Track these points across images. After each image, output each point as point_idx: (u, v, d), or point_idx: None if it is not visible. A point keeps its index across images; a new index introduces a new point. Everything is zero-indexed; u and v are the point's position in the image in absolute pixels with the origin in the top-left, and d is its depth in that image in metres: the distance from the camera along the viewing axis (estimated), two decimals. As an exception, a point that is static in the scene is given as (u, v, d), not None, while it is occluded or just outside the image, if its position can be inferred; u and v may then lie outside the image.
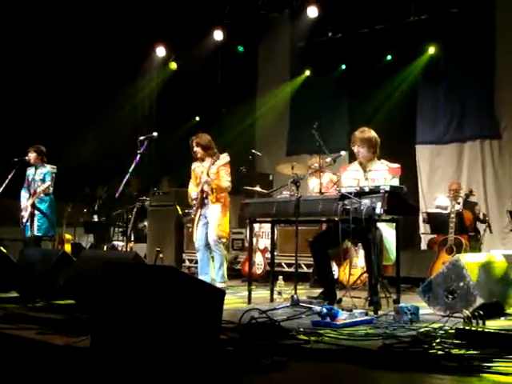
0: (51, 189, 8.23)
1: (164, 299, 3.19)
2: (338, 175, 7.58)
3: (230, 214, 7.68)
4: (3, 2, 11.26)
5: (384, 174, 5.95)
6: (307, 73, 12.43)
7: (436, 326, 4.22)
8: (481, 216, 8.45)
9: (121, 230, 11.51)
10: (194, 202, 7.60)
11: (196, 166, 7.68)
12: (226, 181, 7.42)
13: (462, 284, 4.93)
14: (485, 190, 9.87)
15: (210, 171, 7.40)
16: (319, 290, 6.32)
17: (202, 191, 7.47)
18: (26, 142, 8.70)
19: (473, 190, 8.68)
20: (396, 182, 5.84)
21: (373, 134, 6.11)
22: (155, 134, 7.75)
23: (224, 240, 7.57)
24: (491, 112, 9.98)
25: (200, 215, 7.54)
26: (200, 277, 7.56)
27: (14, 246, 8.97)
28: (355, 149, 6.12)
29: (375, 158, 6.11)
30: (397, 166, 6.04)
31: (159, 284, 3.26)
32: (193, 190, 7.65)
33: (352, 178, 6.15)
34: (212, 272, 7.63)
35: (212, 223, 7.39)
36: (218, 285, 7.24)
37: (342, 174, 6.41)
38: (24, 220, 8.34)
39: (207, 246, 7.55)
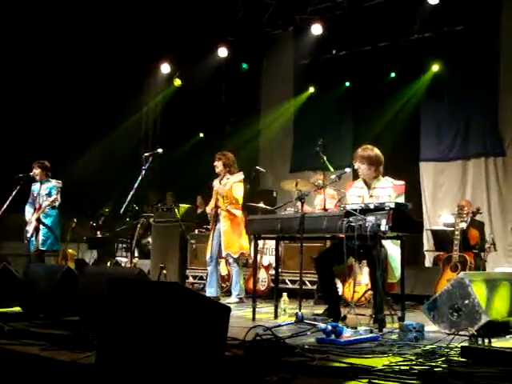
0: (57, 203, 8.23)
1: (169, 315, 3.19)
2: (342, 192, 7.59)
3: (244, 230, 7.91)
4: (8, 19, 11.36)
5: (389, 192, 5.94)
6: (311, 90, 12.47)
7: (441, 344, 4.21)
8: (487, 243, 8.37)
9: (124, 245, 11.51)
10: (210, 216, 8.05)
11: (214, 184, 7.98)
12: (237, 193, 7.74)
13: (467, 302, 4.91)
14: (489, 208, 9.86)
15: (225, 187, 7.82)
16: (323, 307, 6.29)
17: (216, 206, 7.73)
18: (30, 158, 8.73)
19: (480, 208, 8.66)
20: (401, 201, 5.82)
21: (375, 152, 6.09)
22: (160, 150, 7.80)
23: (235, 256, 7.83)
24: (495, 129, 10.00)
25: (214, 231, 7.80)
26: (206, 289, 7.69)
27: (18, 261, 8.97)
28: (356, 165, 6.13)
29: (379, 175, 6.11)
30: (401, 183, 6.02)
31: (164, 300, 3.26)
32: (210, 206, 8.08)
33: (356, 195, 6.15)
34: (218, 287, 7.82)
35: (223, 239, 7.80)
36: (233, 299, 7.68)
37: (347, 191, 6.41)
38: (28, 234, 8.34)
39: (217, 261, 7.82)
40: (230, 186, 7.81)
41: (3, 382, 3.75)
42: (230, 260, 7.91)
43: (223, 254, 7.87)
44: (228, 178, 7.91)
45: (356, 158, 6.12)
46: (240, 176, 7.92)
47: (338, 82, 11.92)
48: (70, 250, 10.56)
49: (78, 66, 12.24)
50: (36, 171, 8.44)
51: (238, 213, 7.88)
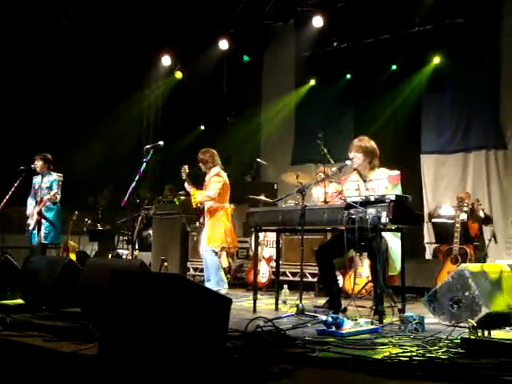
0: (58, 197, 8.25)
1: (171, 307, 3.21)
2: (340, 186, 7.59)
3: (231, 223, 7.86)
4: (11, 13, 11.36)
5: (384, 183, 5.92)
6: (312, 82, 12.45)
7: (441, 335, 4.23)
8: (481, 214, 8.38)
9: (125, 238, 11.53)
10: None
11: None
12: (211, 189, 7.70)
13: (467, 294, 4.93)
14: (490, 200, 9.85)
15: (205, 183, 7.83)
16: (324, 299, 6.31)
17: (201, 203, 7.79)
18: (32, 151, 8.72)
19: (479, 199, 8.66)
20: (398, 191, 5.82)
21: (371, 143, 6.08)
22: (161, 142, 7.78)
23: (217, 250, 7.68)
24: (497, 122, 9.97)
25: (203, 225, 7.81)
26: (206, 283, 7.67)
27: (19, 253, 8.99)
28: (351, 155, 6.11)
29: (375, 167, 6.09)
30: (396, 173, 6.00)
31: (166, 292, 3.28)
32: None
33: (353, 188, 6.13)
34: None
35: (204, 233, 7.79)
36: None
37: (343, 185, 6.40)
38: (30, 228, 8.34)
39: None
40: (209, 180, 7.80)
41: (6, 372, 3.77)
42: (209, 252, 7.67)
43: (203, 247, 7.75)
44: (209, 174, 7.89)
45: (352, 148, 6.11)
46: (216, 169, 7.84)
47: (340, 75, 11.89)
48: (71, 243, 10.58)
49: (79, 59, 12.23)
50: (38, 163, 8.44)
51: (216, 206, 7.75)
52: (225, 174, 7.88)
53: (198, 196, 7.73)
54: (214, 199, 7.71)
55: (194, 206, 7.87)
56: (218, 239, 7.69)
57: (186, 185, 7.91)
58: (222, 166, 7.95)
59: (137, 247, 10.83)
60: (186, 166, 7.91)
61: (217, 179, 7.75)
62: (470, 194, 8.72)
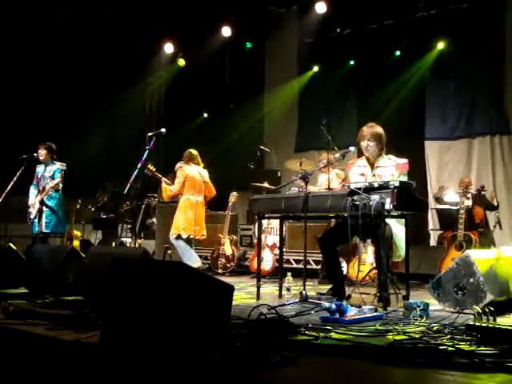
0: (61, 185, 8.24)
1: (173, 295, 3.19)
2: (346, 171, 7.55)
3: (196, 213, 8.36)
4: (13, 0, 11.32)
5: (391, 171, 5.88)
6: (315, 69, 12.40)
7: (446, 322, 4.21)
8: (494, 202, 8.39)
9: (129, 226, 11.52)
10: None
11: None
12: (175, 183, 8.31)
13: (471, 280, 4.90)
14: (494, 186, 9.83)
15: None
16: (328, 287, 6.29)
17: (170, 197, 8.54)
18: (35, 139, 8.71)
19: (484, 185, 8.63)
20: (404, 179, 5.77)
21: (381, 129, 6.06)
22: (163, 130, 7.77)
23: (174, 236, 8.25)
24: (501, 107, 9.93)
25: None
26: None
27: (22, 242, 8.98)
28: (364, 143, 6.02)
29: (382, 153, 6.05)
30: (404, 161, 5.96)
31: (168, 279, 3.25)
32: None
33: (359, 173, 6.10)
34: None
35: None
36: None
37: (350, 169, 6.35)
38: (32, 216, 8.33)
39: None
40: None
41: (9, 361, 3.77)
42: (171, 238, 8.31)
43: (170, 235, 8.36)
44: None
45: (364, 136, 6.01)
46: (178, 164, 8.42)
47: (343, 61, 11.84)
48: (74, 231, 10.57)
49: (82, 48, 12.18)
50: (41, 152, 8.43)
51: (181, 197, 8.35)
52: (190, 168, 8.36)
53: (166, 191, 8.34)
54: (179, 192, 8.29)
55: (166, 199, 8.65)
56: (175, 227, 8.23)
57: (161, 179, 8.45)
58: (199, 163, 8.54)
59: (141, 235, 10.82)
60: (150, 165, 8.20)
61: (178, 174, 8.31)
62: (471, 180, 8.69)
